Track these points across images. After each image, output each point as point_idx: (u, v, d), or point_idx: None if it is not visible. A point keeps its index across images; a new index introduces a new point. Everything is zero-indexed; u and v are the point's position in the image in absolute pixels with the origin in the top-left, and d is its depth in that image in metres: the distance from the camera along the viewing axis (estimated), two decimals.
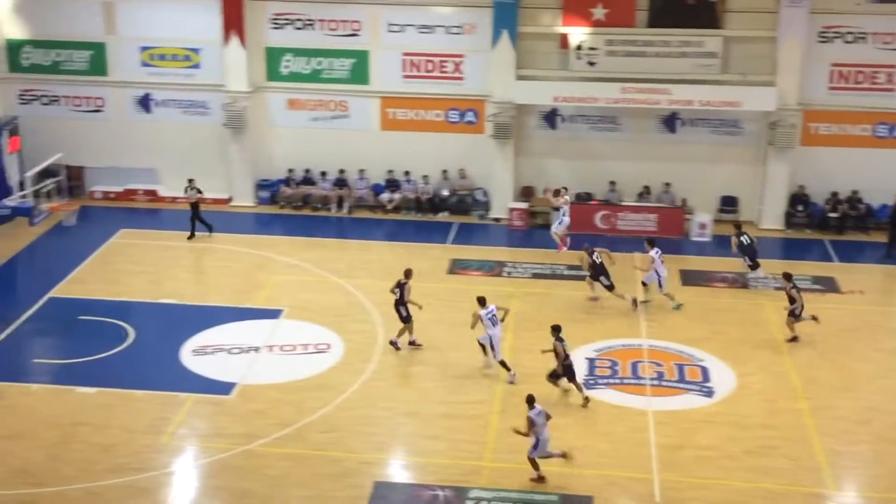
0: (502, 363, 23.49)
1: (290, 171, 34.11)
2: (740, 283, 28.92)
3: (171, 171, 34.67)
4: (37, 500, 18.98)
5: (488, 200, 33.81)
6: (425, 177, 33.73)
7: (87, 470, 19.85)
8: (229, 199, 34.45)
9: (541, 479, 19.70)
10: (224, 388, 23.03)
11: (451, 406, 22.37)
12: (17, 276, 29.35)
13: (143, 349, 24.70)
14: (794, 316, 25.35)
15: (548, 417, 19.75)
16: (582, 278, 28.84)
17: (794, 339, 25.30)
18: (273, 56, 33.86)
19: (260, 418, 21.81)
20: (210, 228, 31.07)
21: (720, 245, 31.12)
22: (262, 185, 34.49)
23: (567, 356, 22.43)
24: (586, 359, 24.48)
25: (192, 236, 30.78)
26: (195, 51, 33.91)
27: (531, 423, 19.50)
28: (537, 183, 33.73)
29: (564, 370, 22.47)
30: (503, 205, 33.32)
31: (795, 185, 32.93)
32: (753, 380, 23.66)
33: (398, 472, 20.35)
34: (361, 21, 33.23)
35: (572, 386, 22.63)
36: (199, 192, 31.01)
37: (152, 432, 21.19)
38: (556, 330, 22.37)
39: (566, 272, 29.40)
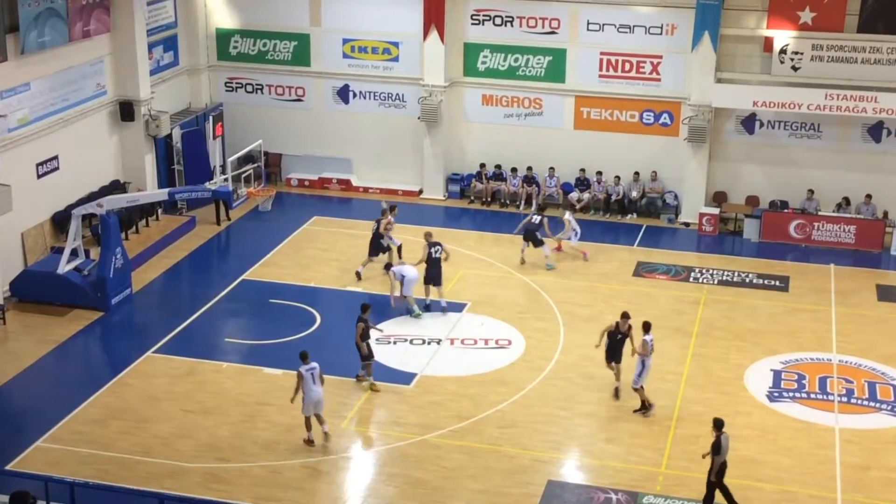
0: None
1: (482, 165, 34.30)
2: None
3: (366, 162, 35.40)
4: (221, 475, 19.71)
5: (678, 204, 33.20)
6: (616, 177, 33.37)
7: (270, 449, 20.48)
8: (420, 192, 34.92)
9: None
10: (405, 377, 23.37)
11: (629, 410, 22.08)
12: (214, 258, 30.52)
13: (328, 335, 25.29)
14: None
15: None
16: (773, 287, 28.08)
17: None
18: (471, 51, 34.10)
19: (437, 410, 22.04)
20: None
21: None
22: (452, 179, 34.81)
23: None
24: (772, 370, 23.80)
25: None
26: (395, 44, 34.47)
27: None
28: (731, 188, 32.92)
29: None
30: (694, 209, 32.65)
31: None
32: None
33: (572, 472, 20.23)
34: (561, 19, 33.09)
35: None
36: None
37: (333, 416, 21.66)
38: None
39: (756, 280, 28.62)
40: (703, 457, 19.07)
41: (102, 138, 30.82)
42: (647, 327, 22.07)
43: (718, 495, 18.74)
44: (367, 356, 22.76)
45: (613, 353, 22.51)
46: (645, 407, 21.94)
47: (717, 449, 18.61)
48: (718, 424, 18.77)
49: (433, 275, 26.45)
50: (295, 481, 19.58)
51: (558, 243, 29.87)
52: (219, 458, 20.16)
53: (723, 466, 18.73)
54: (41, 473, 18.29)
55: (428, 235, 27.07)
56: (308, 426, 20.70)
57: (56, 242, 28.34)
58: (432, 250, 26.38)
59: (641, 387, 21.94)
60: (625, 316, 22.57)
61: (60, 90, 28.70)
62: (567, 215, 30.12)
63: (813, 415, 22.12)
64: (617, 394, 22.45)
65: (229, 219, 32.12)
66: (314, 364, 20.66)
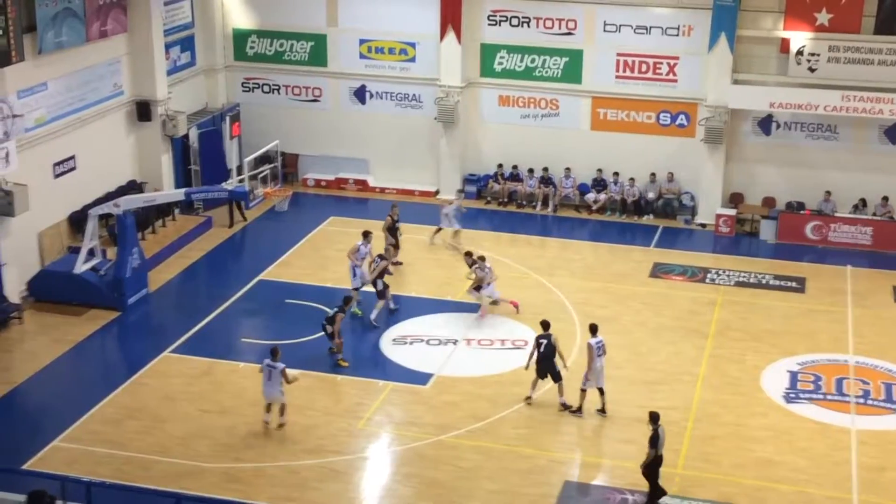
0: None
1: (500, 166, 34.29)
2: None
3: (382, 163, 35.44)
4: (239, 474, 19.76)
5: (695, 205, 33.13)
6: (632, 179, 33.32)
7: (286, 448, 20.52)
8: (436, 192, 34.91)
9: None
10: (421, 378, 23.38)
11: (646, 410, 21.86)
12: (231, 258, 30.57)
13: (345, 335, 25.29)
14: None
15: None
16: (789, 289, 28.02)
17: None
18: (487, 52, 34.10)
19: (454, 410, 22.04)
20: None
21: None
22: (469, 180, 34.82)
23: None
24: (788, 372, 23.74)
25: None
26: (412, 45, 34.49)
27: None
28: (747, 190, 32.84)
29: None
30: (710, 210, 32.57)
31: None
32: None
33: (588, 472, 20.21)
34: (577, 20, 33.05)
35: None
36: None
37: (350, 416, 21.72)
38: None
39: (772, 281, 28.55)
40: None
41: (119, 138, 30.91)
42: (592, 329, 21.96)
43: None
44: (333, 336, 23.78)
45: (545, 368, 22.11)
46: (578, 410, 21.79)
47: (653, 442, 18.68)
48: (654, 418, 18.86)
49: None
50: (311, 481, 19.61)
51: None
52: (235, 458, 20.21)
53: (658, 459, 18.79)
54: (58, 473, 18.32)
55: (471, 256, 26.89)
56: (267, 409, 21.32)
57: (73, 242, 28.42)
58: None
59: (583, 390, 21.76)
60: (545, 325, 22.37)
61: (77, 90, 28.80)
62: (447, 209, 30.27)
63: (829, 416, 22.06)
64: (566, 407, 21.99)
65: (245, 219, 32.16)
66: (277, 364, 20.91)
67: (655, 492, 18.89)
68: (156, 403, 22.23)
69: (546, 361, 22.04)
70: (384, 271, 25.77)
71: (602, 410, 21.83)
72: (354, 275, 26.23)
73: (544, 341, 22.06)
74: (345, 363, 23.78)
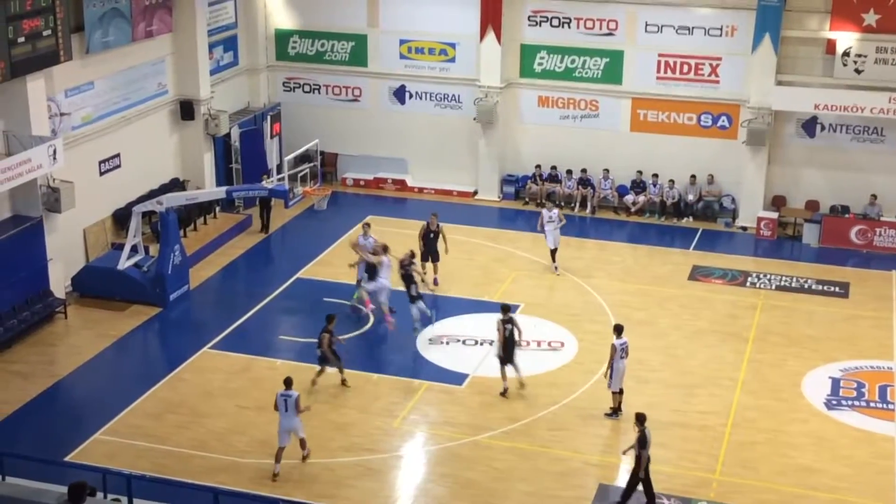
0: None
1: (538, 167, 34.24)
2: None
3: (421, 163, 35.50)
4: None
5: (736, 208, 32.89)
6: (671, 181, 33.14)
7: (323, 446, 20.59)
8: (475, 193, 34.93)
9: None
10: (457, 378, 23.40)
11: (683, 415, 21.94)
12: (270, 255, 30.76)
13: (382, 334, 25.41)
14: None
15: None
16: (832, 293, 27.76)
17: None
18: (527, 53, 34.05)
19: (489, 411, 22.04)
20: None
21: None
22: (507, 181, 34.79)
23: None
24: (830, 378, 23.51)
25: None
26: (451, 45, 34.52)
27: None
28: (790, 193, 32.55)
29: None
30: (752, 213, 32.32)
31: None
32: None
33: (623, 476, 20.09)
34: (618, 20, 32.94)
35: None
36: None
37: (385, 415, 21.78)
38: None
39: (814, 286, 28.30)
40: (624, 453, 19.33)
41: (163, 137, 31.19)
42: (617, 330, 21.84)
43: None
44: (325, 360, 22.40)
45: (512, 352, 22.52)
46: (615, 410, 21.76)
47: (643, 443, 18.54)
48: (641, 419, 18.70)
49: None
50: (347, 479, 19.69)
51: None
52: (272, 455, 20.25)
53: (647, 460, 18.72)
54: (99, 465, 18.58)
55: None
56: (277, 457, 19.67)
57: (117, 239, 28.74)
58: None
59: (618, 391, 21.70)
60: (505, 309, 22.71)
61: (123, 89, 29.11)
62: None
63: (872, 424, 21.81)
64: (505, 392, 22.48)
65: (267, 230, 31.71)
66: (292, 392, 19.67)
67: (630, 493, 18.76)
68: (195, 399, 22.42)
69: (512, 345, 22.36)
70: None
71: (615, 412, 21.72)
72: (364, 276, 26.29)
73: (510, 326, 22.34)
74: (347, 385, 22.80)
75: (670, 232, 32.36)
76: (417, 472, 20.20)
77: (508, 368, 22.57)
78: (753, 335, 25.48)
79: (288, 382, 19.87)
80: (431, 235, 27.84)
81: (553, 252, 28.74)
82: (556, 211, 28.88)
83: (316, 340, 22.54)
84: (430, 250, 27.89)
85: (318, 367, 22.65)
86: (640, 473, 18.63)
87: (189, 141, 31.81)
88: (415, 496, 19.36)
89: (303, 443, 20.00)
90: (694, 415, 21.93)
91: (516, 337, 22.50)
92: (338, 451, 20.51)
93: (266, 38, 35.67)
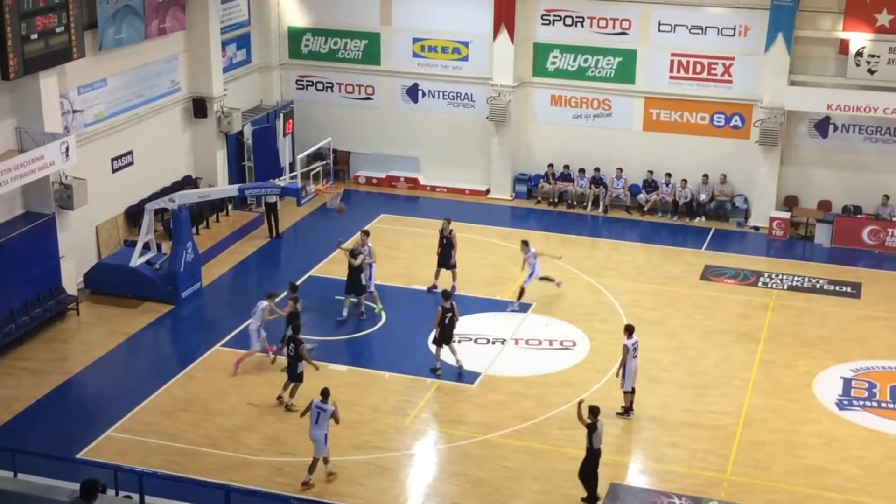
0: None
1: (550, 166, 34.22)
2: None
3: (433, 161, 35.50)
4: (286, 468, 19.92)
5: (748, 208, 32.84)
6: (684, 180, 33.09)
7: (334, 444, 20.50)
8: (487, 191, 34.94)
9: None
10: (468, 376, 23.40)
11: (694, 414, 21.93)
12: (282, 254, 30.79)
13: (393, 333, 25.44)
14: None
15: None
16: (844, 294, 27.69)
17: None
18: (540, 52, 34.03)
19: (500, 409, 22.05)
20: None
21: None
22: (519, 179, 34.78)
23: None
24: (842, 378, 23.46)
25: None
26: (465, 44, 34.51)
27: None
28: (802, 193, 32.48)
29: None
30: (764, 213, 32.26)
31: None
32: None
33: (635, 475, 20.14)
34: (632, 19, 32.90)
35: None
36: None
37: (397, 414, 21.81)
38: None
39: (826, 286, 28.24)
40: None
41: (175, 134, 31.26)
42: (628, 330, 21.81)
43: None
44: (298, 379, 21.90)
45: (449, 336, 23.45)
46: (626, 410, 21.79)
47: (590, 435, 18.66)
48: (595, 411, 18.84)
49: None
50: (358, 477, 19.72)
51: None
52: (283, 452, 20.37)
53: (595, 453, 18.78)
54: (111, 462, 18.62)
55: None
56: (311, 468, 19.42)
57: (129, 236, 28.83)
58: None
59: (630, 390, 21.74)
60: (446, 296, 23.55)
61: (136, 86, 29.18)
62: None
63: (884, 424, 21.78)
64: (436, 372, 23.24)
65: (278, 234, 31.79)
66: (328, 406, 19.19)
67: (594, 493, 18.83)
68: (206, 396, 22.48)
69: (451, 330, 23.25)
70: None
71: (627, 411, 21.73)
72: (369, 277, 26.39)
73: (450, 314, 23.06)
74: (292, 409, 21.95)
75: (682, 231, 32.32)
76: (429, 470, 20.22)
77: (444, 350, 23.39)
78: (765, 335, 25.44)
79: (325, 393, 19.40)
80: (444, 241, 27.48)
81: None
82: (532, 250, 27.19)
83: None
84: (441, 257, 27.52)
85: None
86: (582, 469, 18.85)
87: (202, 138, 31.87)
88: (426, 494, 19.37)
89: (325, 460, 19.51)
90: (705, 414, 21.91)
91: (455, 323, 23.43)
92: (349, 449, 20.54)
93: (279, 36, 35.70)
